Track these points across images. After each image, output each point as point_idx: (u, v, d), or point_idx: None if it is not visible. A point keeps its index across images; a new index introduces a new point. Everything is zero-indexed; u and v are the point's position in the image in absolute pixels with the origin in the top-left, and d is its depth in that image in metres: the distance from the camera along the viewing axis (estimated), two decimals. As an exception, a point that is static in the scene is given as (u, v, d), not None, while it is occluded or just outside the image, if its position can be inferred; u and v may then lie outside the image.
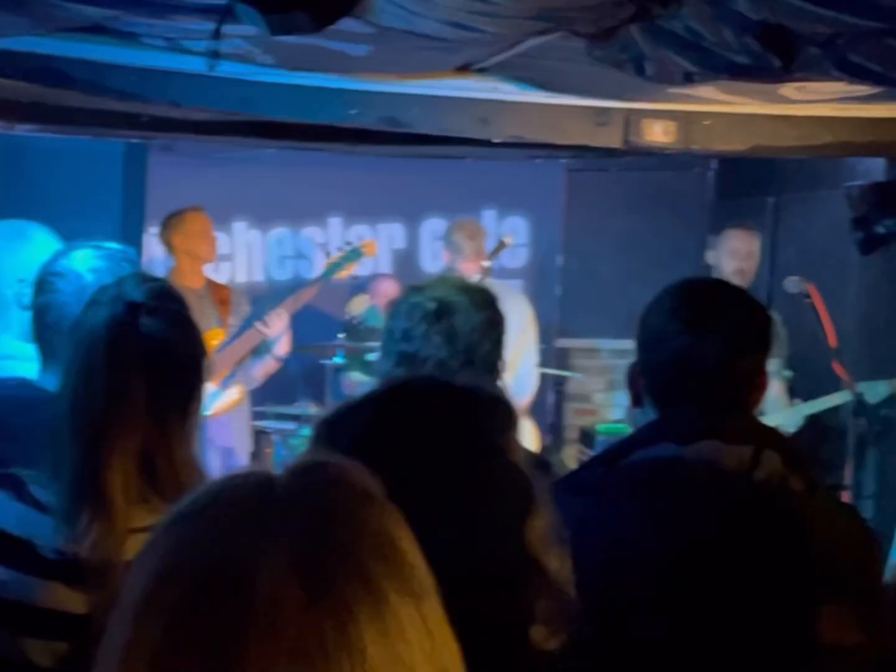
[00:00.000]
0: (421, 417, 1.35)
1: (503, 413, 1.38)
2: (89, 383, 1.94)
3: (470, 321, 2.67)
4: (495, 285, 5.27)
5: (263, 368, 5.74)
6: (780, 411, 5.51)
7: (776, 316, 5.48)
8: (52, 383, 2.33)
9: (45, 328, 2.41)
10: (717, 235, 5.91)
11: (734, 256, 5.74)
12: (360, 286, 7.42)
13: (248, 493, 0.90)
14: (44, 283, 2.42)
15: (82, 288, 2.35)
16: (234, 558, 0.84)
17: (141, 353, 1.96)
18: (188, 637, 0.82)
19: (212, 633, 0.81)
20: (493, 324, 2.72)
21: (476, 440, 1.33)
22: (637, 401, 2.20)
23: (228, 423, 5.69)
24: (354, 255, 5.87)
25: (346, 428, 1.33)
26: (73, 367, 1.98)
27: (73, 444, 1.93)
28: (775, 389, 5.62)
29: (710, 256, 5.88)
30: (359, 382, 6.73)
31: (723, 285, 2.35)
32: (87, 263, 2.41)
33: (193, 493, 0.92)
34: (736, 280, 5.42)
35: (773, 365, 5.60)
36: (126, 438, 1.92)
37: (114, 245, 2.52)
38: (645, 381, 2.16)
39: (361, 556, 0.86)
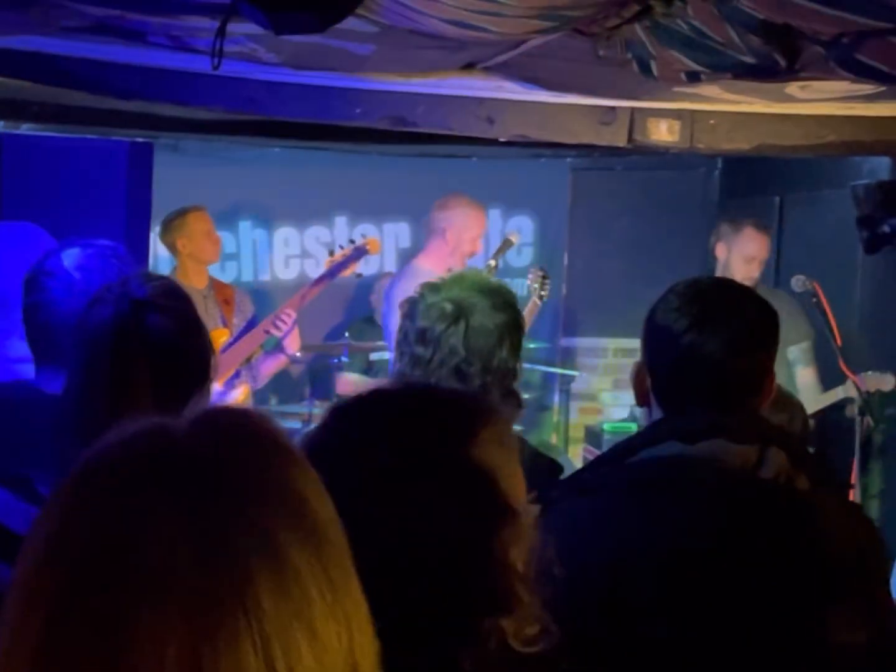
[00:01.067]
0: (382, 430, 1.35)
1: (476, 420, 1.38)
2: (94, 380, 1.94)
3: (487, 324, 2.63)
4: None
5: (272, 366, 5.74)
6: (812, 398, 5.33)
7: (793, 300, 5.44)
8: (47, 383, 2.33)
9: (35, 328, 2.41)
10: (732, 229, 5.68)
11: (750, 263, 5.56)
12: (365, 285, 7.43)
13: (144, 449, 0.88)
14: (33, 282, 2.42)
15: (71, 286, 2.35)
16: (124, 519, 0.84)
17: (146, 351, 1.96)
18: (79, 600, 0.82)
19: (103, 595, 0.81)
20: (511, 327, 2.67)
21: (444, 448, 1.33)
22: (642, 399, 2.20)
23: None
24: (357, 253, 5.86)
25: (309, 445, 1.34)
26: (78, 364, 1.98)
27: (78, 441, 1.93)
28: (808, 377, 5.55)
29: (720, 249, 5.68)
30: (354, 382, 6.72)
31: (729, 284, 2.35)
32: (76, 262, 2.40)
33: (91, 449, 0.90)
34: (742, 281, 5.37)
35: (793, 352, 5.54)
36: None
37: (103, 242, 2.51)
38: (651, 379, 2.16)
39: (258, 509, 0.85)
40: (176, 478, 0.85)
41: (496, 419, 1.40)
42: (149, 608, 0.80)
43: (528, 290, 6.11)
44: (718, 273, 5.53)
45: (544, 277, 6.06)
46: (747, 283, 5.40)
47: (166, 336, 1.99)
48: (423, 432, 1.35)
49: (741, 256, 5.60)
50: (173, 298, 2.05)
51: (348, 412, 1.40)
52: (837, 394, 5.43)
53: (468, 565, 1.28)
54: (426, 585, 1.26)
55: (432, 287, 2.71)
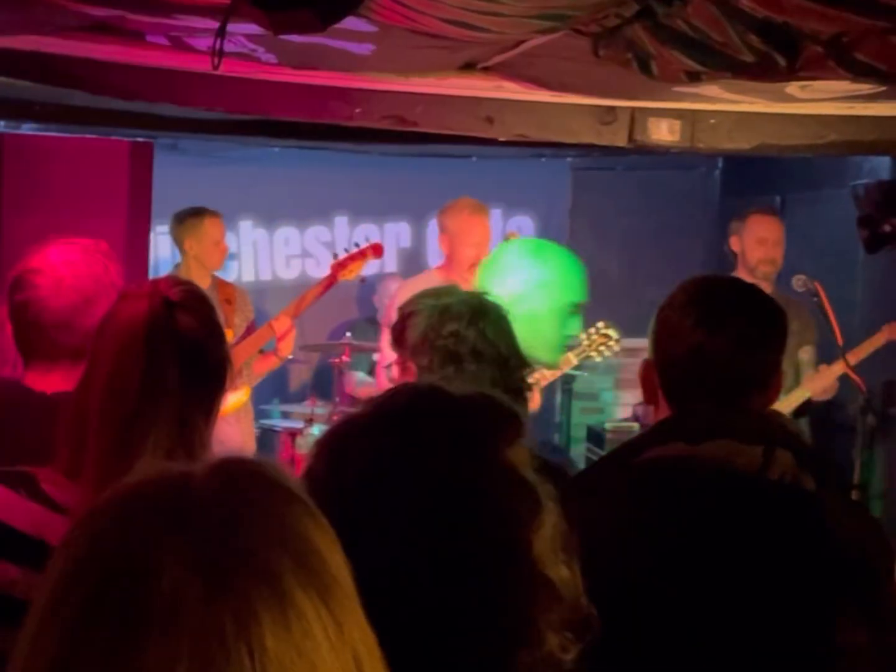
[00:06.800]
0: (416, 436, 1.33)
1: (505, 423, 1.36)
2: (125, 374, 1.93)
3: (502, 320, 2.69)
4: None
5: (264, 366, 5.77)
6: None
7: (808, 308, 5.41)
8: (36, 382, 2.34)
9: (25, 326, 2.41)
10: (740, 221, 5.61)
11: (763, 244, 5.46)
12: (369, 285, 7.43)
13: (161, 491, 0.93)
14: (21, 281, 2.43)
15: (60, 282, 2.36)
16: (139, 556, 0.87)
17: (177, 349, 1.96)
18: (92, 632, 0.85)
19: (114, 628, 0.85)
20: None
21: (475, 454, 1.31)
22: (650, 397, 2.19)
23: (236, 422, 5.70)
24: (360, 257, 5.86)
25: (346, 450, 1.32)
26: (107, 358, 1.97)
27: (99, 436, 1.92)
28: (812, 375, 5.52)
29: (734, 242, 5.58)
30: (361, 382, 6.74)
31: (738, 282, 2.34)
32: (62, 257, 2.41)
33: (112, 488, 0.95)
34: (765, 269, 5.35)
35: (807, 353, 5.53)
36: (158, 431, 1.92)
37: (85, 239, 2.52)
38: (658, 377, 2.15)
39: (266, 553, 0.89)
40: (189, 522, 0.89)
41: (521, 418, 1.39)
42: (158, 638, 0.84)
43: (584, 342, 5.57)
44: (738, 268, 5.48)
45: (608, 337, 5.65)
46: (767, 265, 5.36)
47: (195, 337, 2.00)
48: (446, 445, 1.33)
49: (753, 239, 5.50)
50: (200, 302, 2.07)
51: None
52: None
53: (505, 574, 1.26)
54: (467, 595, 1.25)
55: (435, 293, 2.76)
